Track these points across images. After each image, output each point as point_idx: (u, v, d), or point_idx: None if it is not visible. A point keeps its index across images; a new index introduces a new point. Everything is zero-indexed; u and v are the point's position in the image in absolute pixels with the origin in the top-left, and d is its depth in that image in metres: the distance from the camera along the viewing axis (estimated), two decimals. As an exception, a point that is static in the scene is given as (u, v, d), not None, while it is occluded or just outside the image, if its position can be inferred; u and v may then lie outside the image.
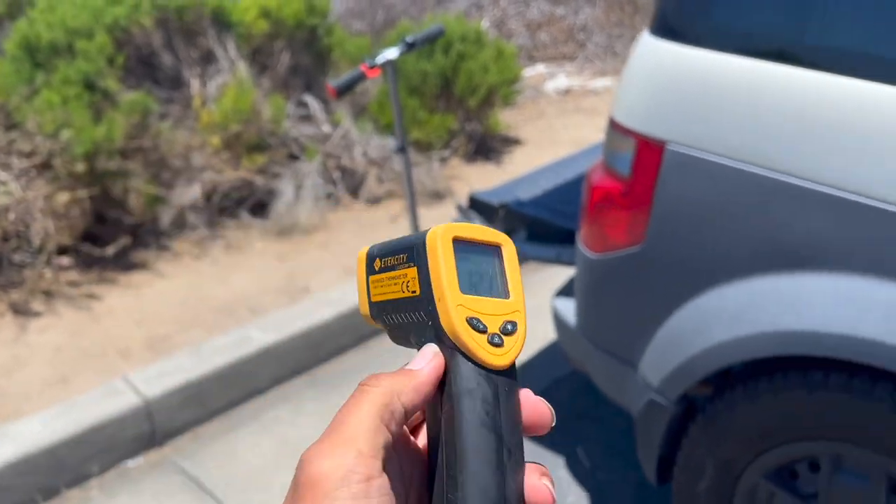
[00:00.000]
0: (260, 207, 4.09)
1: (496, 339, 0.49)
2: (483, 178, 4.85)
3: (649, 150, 1.76)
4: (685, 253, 1.75)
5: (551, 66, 7.96)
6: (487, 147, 5.32)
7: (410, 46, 2.30)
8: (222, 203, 4.02)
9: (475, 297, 0.50)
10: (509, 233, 2.50)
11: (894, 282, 1.46)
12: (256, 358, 2.85)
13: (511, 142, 5.58)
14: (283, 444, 2.65)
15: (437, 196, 4.49)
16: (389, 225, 4.13)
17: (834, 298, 1.52)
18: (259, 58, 4.47)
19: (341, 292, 3.22)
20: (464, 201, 2.68)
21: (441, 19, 5.26)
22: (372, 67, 2.22)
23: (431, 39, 2.34)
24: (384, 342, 3.19)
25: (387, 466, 0.45)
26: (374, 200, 4.41)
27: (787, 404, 1.63)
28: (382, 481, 0.44)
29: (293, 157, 4.30)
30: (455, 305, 0.49)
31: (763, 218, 1.60)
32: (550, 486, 0.48)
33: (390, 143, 3.99)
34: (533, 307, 3.49)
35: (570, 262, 2.29)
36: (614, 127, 1.86)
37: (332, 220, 4.16)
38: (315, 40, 4.71)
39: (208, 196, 3.95)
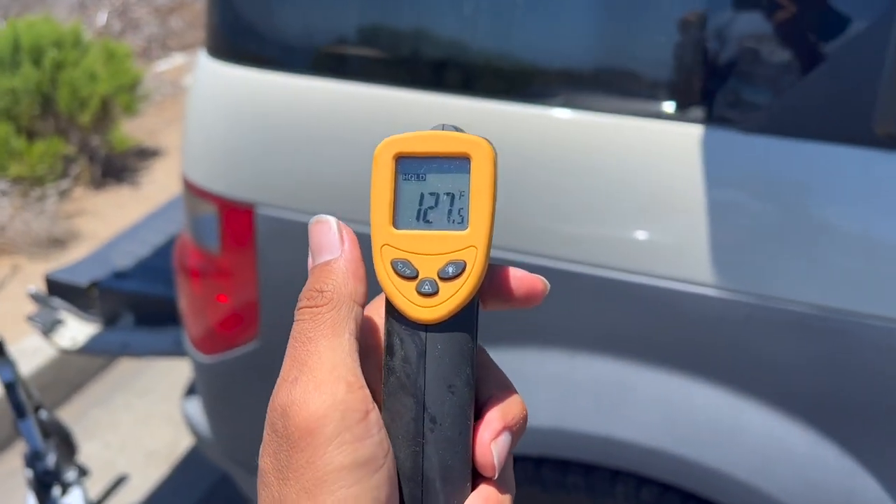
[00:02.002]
0: None
1: (426, 287, 0.40)
2: (118, 207, 4.07)
3: (235, 218, 1.27)
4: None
5: (191, 55, 7.15)
6: (119, 167, 4.49)
7: None
8: None
9: (413, 231, 0.41)
10: (110, 321, 1.89)
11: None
12: None
13: (149, 154, 4.80)
14: None
15: (58, 244, 3.64)
16: (-6, 296, 3.23)
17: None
18: None
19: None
20: (37, 286, 2.00)
21: (27, 21, 4.27)
22: None
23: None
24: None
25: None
26: (-33, 267, 3.44)
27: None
28: (376, 412, 0.39)
29: None
30: (380, 247, 0.41)
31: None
32: (498, 450, 0.40)
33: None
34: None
35: (194, 349, 1.74)
36: (189, 188, 1.34)
37: None
38: None
39: None
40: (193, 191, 1.32)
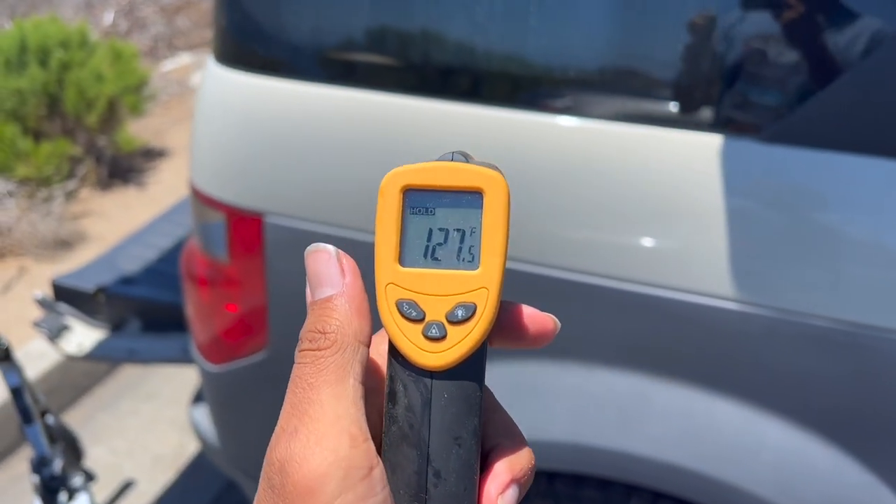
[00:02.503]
0: None
1: (433, 331, 0.37)
2: (125, 208, 4.06)
3: (244, 226, 1.25)
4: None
5: (198, 54, 7.15)
6: (125, 167, 4.48)
7: None
8: None
9: (420, 270, 0.38)
10: (117, 326, 1.87)
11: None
12: None
13: (155, 155, 4.79)
14: None
15: (65, 245, 3.63)
16: (1, 296, 3.22)
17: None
18: None
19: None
20: (43, 291, 1.99)
21: (34, 21, 4.26)
22: None
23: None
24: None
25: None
26: (-26, 269, 3.43)
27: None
28: (380, 467, 0.36)
29: None
30: (385, 285, 0.38)
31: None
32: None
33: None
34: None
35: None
36: (197, 196, 1.32)
37: (-88, 310, 3.14)
38: None
39: None
40: (201, 199, 1.30)
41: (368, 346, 0.38)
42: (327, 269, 0.39)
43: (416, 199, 0.38)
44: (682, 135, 1.03)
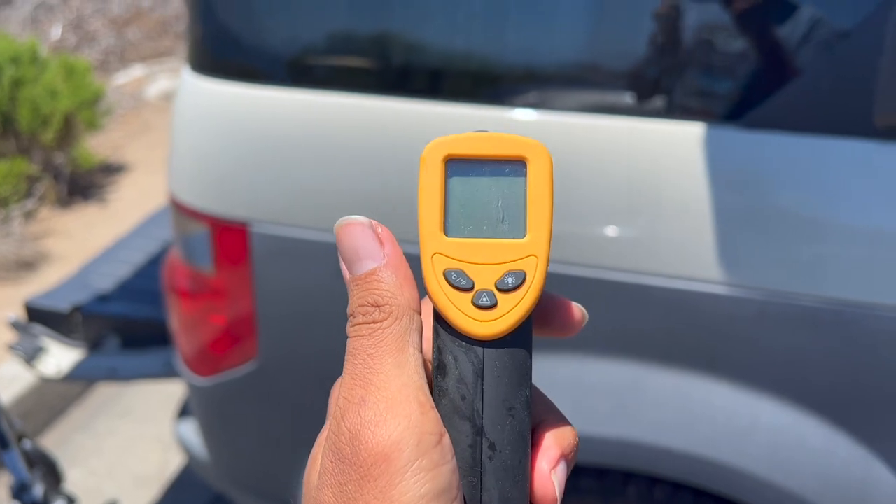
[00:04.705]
0: None
1: (483, 300, 0.37)
2: (87, 226, 3.98)
3: (229, 236, 1.24)
4: (315, 359, 1.28)
5: (151, 66, 7.03)
6: (85, 184, 4.40)
7: None
8: None
9: (466, 239, 0.38)
10: (95, 345, 1.84)
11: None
12: None
13: (114, 170, 4.70)
14: None
15: (27, 266, 3.55)
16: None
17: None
18: None
19: None
20: (17, 314, 1.94)
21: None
22: None
23: None
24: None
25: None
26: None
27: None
28: (448, 437, 0.36)
29: None
30: (431, 255, 0.38)
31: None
32: (559, 481, 0.37)
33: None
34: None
35: (184, 369, 1.70)
36: (178, 208, 1.31)
37: None
38: None
39: None
40: (183, 210, 1.28)
41: (420, 314, 0.37)
42: (364, 241, 0.38)
43: (459, 169, 0.38)
44: (662, 125, 1.05)
